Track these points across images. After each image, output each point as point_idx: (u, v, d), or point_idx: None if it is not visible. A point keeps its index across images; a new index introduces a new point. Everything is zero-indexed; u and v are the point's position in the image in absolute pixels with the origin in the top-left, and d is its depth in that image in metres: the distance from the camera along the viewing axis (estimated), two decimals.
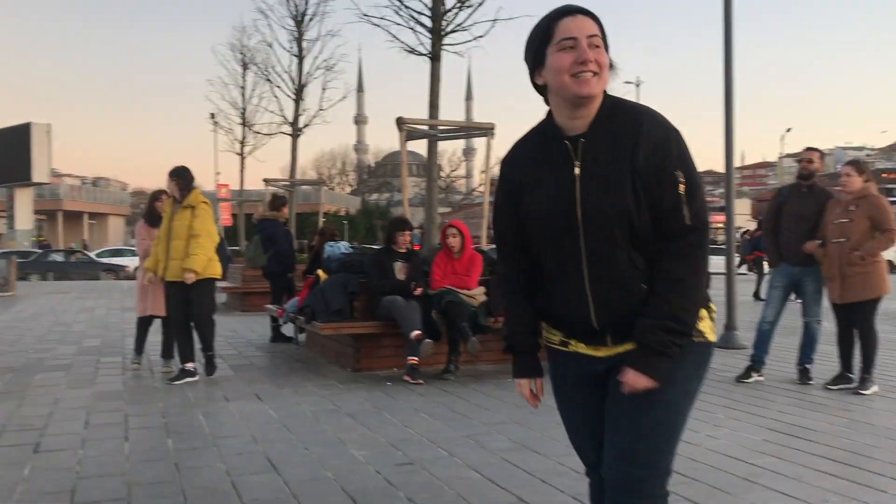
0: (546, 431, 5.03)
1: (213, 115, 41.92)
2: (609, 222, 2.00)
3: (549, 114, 2.12)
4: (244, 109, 22.24)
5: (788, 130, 67.24)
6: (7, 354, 8.65)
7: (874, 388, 6.33)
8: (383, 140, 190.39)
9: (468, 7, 9.57)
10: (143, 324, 7.66)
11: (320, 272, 7.97)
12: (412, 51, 9.66)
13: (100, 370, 7.58)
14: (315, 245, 10.57)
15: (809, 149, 6.88)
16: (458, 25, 9.56)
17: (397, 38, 9.96)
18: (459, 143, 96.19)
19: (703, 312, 2.10)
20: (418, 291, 7.21)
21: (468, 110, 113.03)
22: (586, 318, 2.08)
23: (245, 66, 22.11)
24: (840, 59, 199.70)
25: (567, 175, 2.04)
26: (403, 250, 7.46)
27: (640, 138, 1.99)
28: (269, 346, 9.42)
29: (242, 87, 22.21)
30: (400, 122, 7.96)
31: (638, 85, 41.01)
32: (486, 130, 8.44)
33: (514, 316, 2.26)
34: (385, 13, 9.69)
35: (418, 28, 9.55)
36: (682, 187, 2.00)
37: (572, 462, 4.35)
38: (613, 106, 2.05)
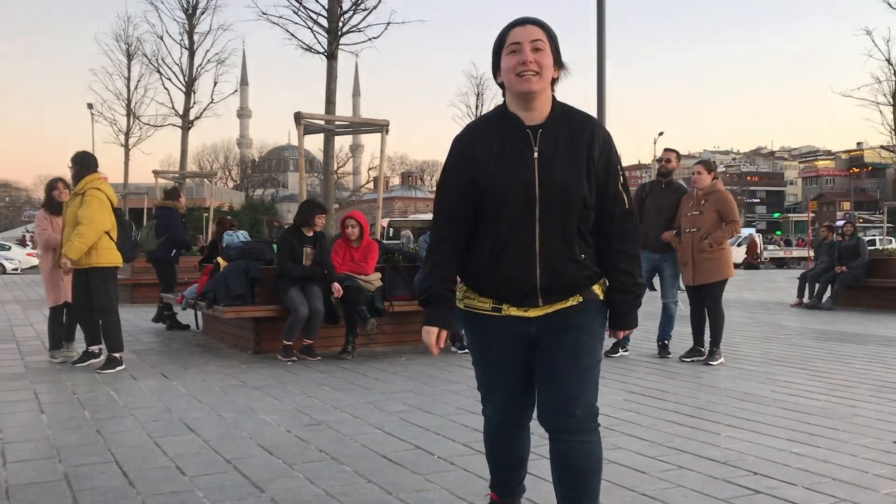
0: (437, 397, 5.63)
1: (90, 106, 40.69)
2: (561, 197, 2.39)
3: (504, 105, 2.50)
4: (129, 100, 21.85)
5: (661, 134, 70.44)
6: None
7: (720, 360, 7.25)
8: (267, 135, 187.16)
9: (363, 10, 10.08)
10: (57, 313, 7.48)
11: (220, 259, 8.28)
12: (309, 49, 10.10)
13: None
14: (213, 236, 10.83)
15: (667, 150, 7.78)
16: (354, 27, 10.08)
17: (295, 37, 10.35)
18: (347, 140, 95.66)
19: (601, 281, 2.56)
20: (339, 293, 7.48)
21: (355, 106, 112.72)
22: (531, 280, 2.44)
23: (130, 57, 21.77)
24: (711, 67, 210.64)
25: (528, 157, 2.41)
26: (311, 234, 7.69)
27: (594, 134, 2.44)
28: (166, 333, 9.62)
29: (127, 78, 21.82)
30: (298, 116, 8.36)
31: None
32: (381, 127, 8.95)
33: (439, 273, 2.53)
34: (284, 13, 10.11)
35: (316, 28, 9.97)
36: (621, 178, 2.49)
37: (461, 419, 4.98)
38: (564, 108, 2.49)
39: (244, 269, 7.78)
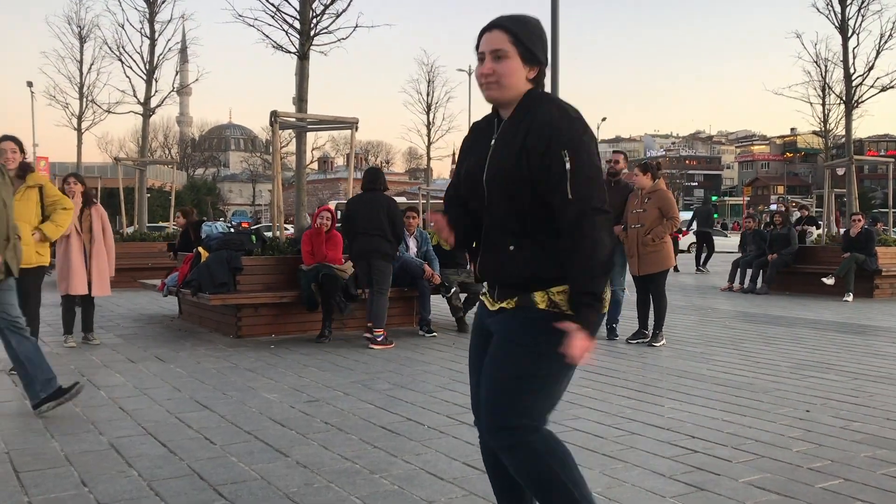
0: (416, 377, 6.34)
1: (30, 84, 39.93)
2: (498, 187, 2.36)
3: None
4: (81, 84, 21.86)
5: (604, 120, 71.89)
6: None
7: (663, 342, 8.11)
8: (207, 112, 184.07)
9: (333, 14, 10.65)
10: (69, 300, 7.79)
11: (201, 249, 8.81)
12: (280, 48, 10.64)
13: None
14: (180, 226, 11.28)
15: (616, 152, 8.59)
16: (324, 29, 10.63)
17: (269, 38, 10.87)
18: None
19: (561, 287, 2.34)
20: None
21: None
22: (478, 270, 2.54)
23: (83, 40, 21.75)
24: (652, 52, 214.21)
25: (486, 146, 2.44)
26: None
27: (532, 123, 2.31)
28: (144, 318, 10.10)
29: (80, 61, 21.80)
30: (274, 115, 8.89)
31: (470, 73, 42.93)
32: (351, 124, 9.54)
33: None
34: (260, 16, 10.60)
35: (290, 30, 10.50)
36: (567, 165, 2.24)
37: (442, 395, 5.70)
38: (532, 98, 2.38)
39: (227, 259, 8.33)
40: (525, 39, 2.36)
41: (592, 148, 2.33)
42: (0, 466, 3.96)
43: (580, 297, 2.26)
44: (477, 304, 2.77)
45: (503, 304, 2.43)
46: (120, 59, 17.58)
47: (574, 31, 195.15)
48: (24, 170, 6.07)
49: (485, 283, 2.59)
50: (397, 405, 5.38)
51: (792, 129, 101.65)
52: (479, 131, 2.53)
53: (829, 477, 3.89)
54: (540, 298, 2.34)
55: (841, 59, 18.71)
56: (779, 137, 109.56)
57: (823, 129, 24.60)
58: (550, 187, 2.28)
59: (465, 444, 4.40)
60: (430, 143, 42.55)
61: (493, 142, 2.41)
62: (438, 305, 9.69)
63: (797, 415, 5.17)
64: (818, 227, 16.80)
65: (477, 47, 2.42)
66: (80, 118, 22.17)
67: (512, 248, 2.38)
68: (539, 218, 2.35)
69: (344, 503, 3.50)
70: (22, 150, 6.06)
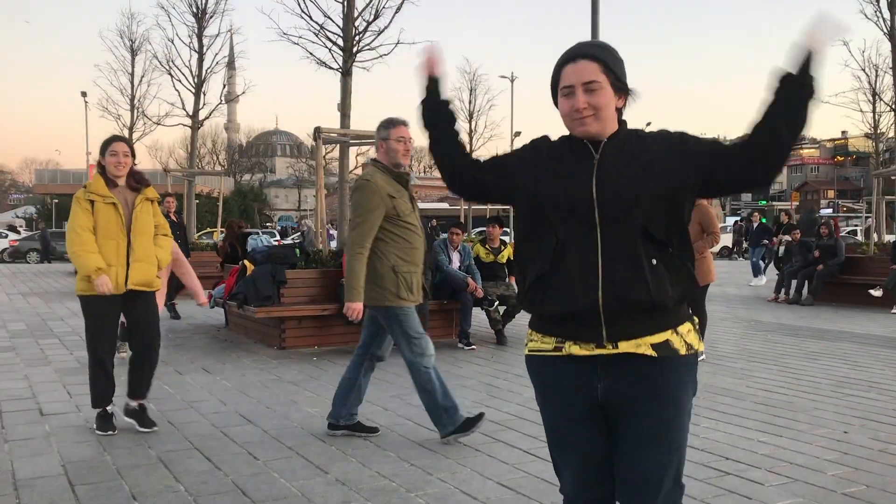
0: (453, 391, 6.42)
1: (84, 94, 41.02)
2: (620, 206, 2.12)
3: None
4: (133, 96, 22.50)
5: (648, 125, 70.53)
6: None
7: (702, 357, 8.08)
8: (254, 118, 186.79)
9: (374, 31, 10.86)
10: None
11: (246, 262, 9.05)
12: (324, 64, 10.89)
13: (45, 351, 8.39)
14: (224, 241, 11.56)
15: None
16: (366, 45, 10.84)
17: (313, 55, 11.12)
18: (334, 121, 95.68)
19: (689, 325, 2.19)
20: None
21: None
22: (594, 299, 2.10)
23: (134, 53, 22.40)
24: (699, 54, 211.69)
25: (587, 168, 2.18)
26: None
27: (643, 144, 2.19)
28: (192, 329, 10.38)
29: (131, 74, 22.44)
30: (317, 131, 9.11)
31: (513, 80, 43.02)
32: None
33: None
34: (303, 33, 10.88)
35: (333, 48, 10.74)
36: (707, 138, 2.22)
37: (478, 411, 5.78)
38: (629, 131, 2.25)
39: (272, 273, 8.55)
40: (615, 68, 2.21)
41: None
42: (57, 480, 4.17)
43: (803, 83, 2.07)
44: (541, 358, 2.27)
45: (627, 349, 2.13)
46: (169, 73, 18.10)
47: (615, 34, 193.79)
48: (140, 181, 5.21)
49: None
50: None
51: (843, 133, 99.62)
52: (553, 152, 2.27)
53: (862, 503, 3.90)
54: (679, 342, 2.16)
55: (890, 65, 18.37)
56: (829, 141, 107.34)
57: (874, 134, 24.12)
58: (705, 150, 2.17)
59: (499, 462, 4.50)
60: (472, 151, 42.61)
61: (595, 163, 2.17)
62: (476, 317, 9.79)
63: (834, 436, 5.15)
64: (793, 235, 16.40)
65: (555, 80, 2.23)
66: (131, 129, 22.81)
67: (654, 261, 2.11)
68: (663, 237, 2.14)
69: None
70: (133, 155, 5.21)
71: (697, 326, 2.25)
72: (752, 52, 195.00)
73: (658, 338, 2.13)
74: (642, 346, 2.12)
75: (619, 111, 2.24)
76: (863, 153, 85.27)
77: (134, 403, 5.27)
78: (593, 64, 2.17)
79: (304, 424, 5.40)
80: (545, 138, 2.35)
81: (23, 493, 3.95)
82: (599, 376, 2.16)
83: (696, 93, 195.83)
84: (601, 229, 2.12)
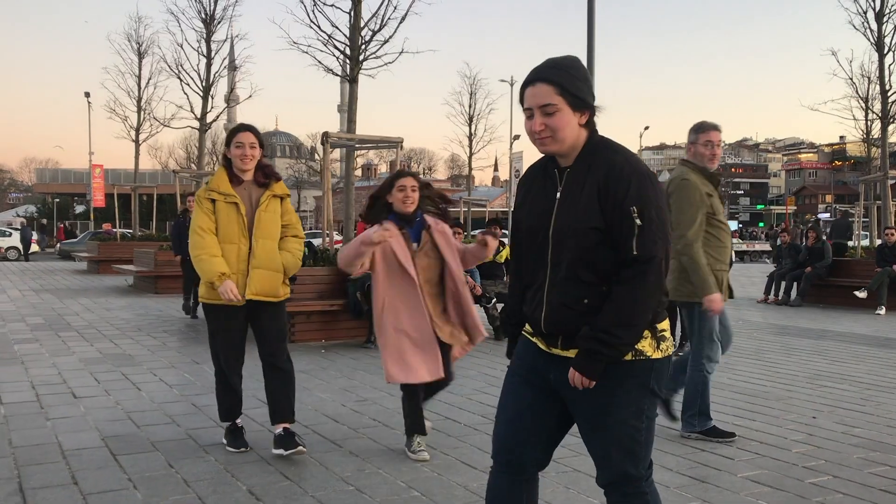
0: (454, 381, 6.90)
1: (87, 94, 41.51)
2: (567, 240, 2.31)
3: None
4: (140, 98, 22.99)
5: (646, 128, 71.24)
6: None
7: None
8: (254, 120, 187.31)
9: (380, 41, 11.35)
10: None
11: None
12: (331, 72, 11.40)
13: (67, 343, 8.86)
14: None
15: None
16: (372, 54, 11.34)
17: (322, 63, 11.62)
18: (333, 122, 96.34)
19: (646, 332, 2.35)
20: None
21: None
22: (538, 320, 2.43)
23: (141, 56, 22.91)
24: (695, 58, 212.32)
25: (551, 197, 2.39)
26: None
27: (599, 177, 2.28)
28: (203, 322, 10.83)
29: (138, 76, 22.96)
30: (325, 136, 9.58)
31: (512, 84, 43.47)
32: (396, 143, 10.19)
33: (508, 308, 2.70)
34: (312, 42, 11.38)
35: (339, 56, 11.24)
36: (637, 221, 2.24)
37: (476, 397, 6.26)
38: (596, 145, 2.35)
39: None
40: (571, 87, 2.29)
41: (660, 202, 2.32)
42: (100, 451, 4.64)
43: (612, 341, 2.27)
44: (518, 342, 2.64)
45: (566, 355, 2.41)
46: (178, 77, 18.60)
47: (612, 38, 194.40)
48: (269, 175, 4.67)
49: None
50: (437, 405, 5.96)
51: (841, 137, 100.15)
52: (534, 179, 2.50)
53: (819, 474, 4.38)
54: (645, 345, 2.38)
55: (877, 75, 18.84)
56: (827, 145, 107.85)
57: (866, 142, 24.60)
58: (618, 240, 2.27)
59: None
60: (471, 154, 43.21)
61: (558, 195, 2.37)
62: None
63: (804, 420, 5.63)
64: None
65: (521, 101, 2.36)
66: (137, 130, 23.31)
67: (586, 301, 2.33)
68: (608, 269, 2.31)
69: (391, 485, 4.10)
70: (262, 146, 4.63)
71: (660, 333, 2.41)
72: (753, 52, 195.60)
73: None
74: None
75: (587, 125, 2.37)
76: (860, 158, 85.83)
77: (279, 429, 4.64)
78: (548, 87, 2.29)
79: (318, 407, 5.88)
80: (535, 165, 2.57)
81: (72, 460, 4.43)
82: (551, 368, 2.47)
83: (697, 94, 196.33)
84: (550, 257, 2.37)
